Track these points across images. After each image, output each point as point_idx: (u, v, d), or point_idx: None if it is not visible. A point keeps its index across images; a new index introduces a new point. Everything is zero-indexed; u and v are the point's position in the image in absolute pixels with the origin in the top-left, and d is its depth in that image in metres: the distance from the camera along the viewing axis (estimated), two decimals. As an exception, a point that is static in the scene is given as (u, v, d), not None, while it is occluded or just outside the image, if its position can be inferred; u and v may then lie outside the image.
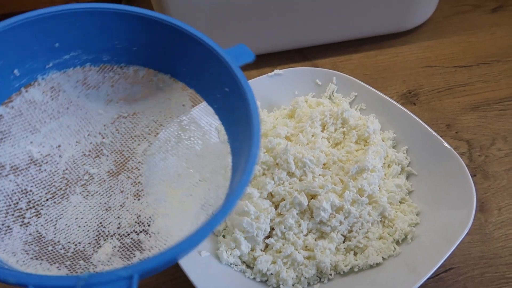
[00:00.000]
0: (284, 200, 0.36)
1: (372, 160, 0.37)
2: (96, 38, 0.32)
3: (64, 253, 0.29)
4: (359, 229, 0.35)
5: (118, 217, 0.31)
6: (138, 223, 0.31)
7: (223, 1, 0.49)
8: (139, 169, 0.33)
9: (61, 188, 0.32)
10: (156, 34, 0.32)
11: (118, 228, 0.31)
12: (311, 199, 0.36)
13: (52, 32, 0.31)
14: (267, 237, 0.35)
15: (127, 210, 0.32)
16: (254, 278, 0.34)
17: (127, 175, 0.33)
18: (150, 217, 0.32)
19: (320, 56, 0.58)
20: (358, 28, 0.57)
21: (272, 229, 0.35)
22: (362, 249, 0.35)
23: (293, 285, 0.33)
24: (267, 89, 0.44)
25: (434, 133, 0.38)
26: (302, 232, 0.35)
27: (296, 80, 0.45)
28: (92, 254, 0.30)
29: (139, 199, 0.32)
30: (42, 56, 0.32)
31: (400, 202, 0.37)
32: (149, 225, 0.31)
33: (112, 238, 0.30)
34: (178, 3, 0.48)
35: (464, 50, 0.58)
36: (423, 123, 0.40)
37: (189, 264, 0.31)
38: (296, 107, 0.43)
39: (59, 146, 0.32)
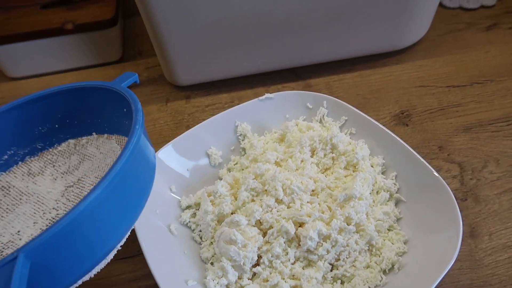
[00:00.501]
0: (272, 227, 0.36)
1: (360, 187, 0.37)
2: (22, 132, 0.38)
3: None
4: (346, 258, 0.35)
5: None
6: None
7: (217, 22, 0.50)
8: None
9: None
10: (62, 106, 0.38)
11: None
12: (298, 227, 0.36)
13: None
14: (255, 265, 0.35)
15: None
16: (241, 308, 0.34)
17: None
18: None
19: (314, 75, 0.59)
20: (351, 48, 0.58)
21: (260, 257, 0.35)
22: (349, 278, 0.34)
23: (279, 315, 0.33)
24: (258, 113, 0.45)
25: (421, 159, 0.38)
26: (289, 260, 0.35)
27: (287, 104, 0.45)
28: None
29: None
30: None
31: (388, 230, 0.37)
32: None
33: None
34: (172, 24, 0.48)
35: (457, 70, 0.58)
36: (412, 150, 0.40)
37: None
38: (286, 131, 0.43)
39: (19, 231, 0.35)
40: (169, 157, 0.41)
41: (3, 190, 0.38)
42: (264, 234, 0.36)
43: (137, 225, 0.35)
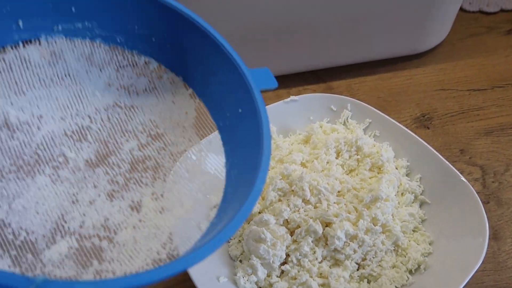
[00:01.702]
0: (300, 227, 0.37)
1: (385, 189, 0.38)
2: (117, 16, 0.29)
3: (12, 240, 0.25)
4: (373, 258, 0.36)
5: (84, 214, 0.27)
6: (104, 227, 0.27)
7: (240, 25, 0.51)
8: (120, 167, 0.29)
9: (29, 163, 0.27)
10: (181, 31, 0.29)
11: (81, 227, 0.27)
12: (325, 226, 0.37)
13: None
14: (283, 263, 0.36)
15: (96, 209, 0.27)
16: (270, 304, 0.35)
17: (105, 170, 0.29)
18: (119, 224, 0.27)
19: (335, 78, 0.59)
20: (373, 51, 0.58)
21: (288, 255, 0.36)
22: (375, 278, 0.35)
23: (307, 312, 0.34)
24: (283, 115, 0.46)
25: (446, 161, 0.39)
26: (317, 259, 0.36)
27: (311, 106, 0.46)
28: (44, 249, 0.25)
29: (112, 201, 0.28)
30: (54, 16, 0.28)
31: (413, 231, 0.38)
32: (115, 233, 0.27)
33: (70, 237, 0.26)
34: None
35: (478, 73, 0.58)
36: (435, 152, 0.40)
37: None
38: (312, 133, 0.44)
39: (41, 116, 0.28)
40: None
41: (52, 56, 0.30)
42: (292, 233, 0.37)
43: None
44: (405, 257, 0.36)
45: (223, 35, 0.47)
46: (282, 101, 0.46)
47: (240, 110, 0.28)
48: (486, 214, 0.43)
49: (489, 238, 0.41)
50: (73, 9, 0.28)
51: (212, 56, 0.29)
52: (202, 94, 0.31)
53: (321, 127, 0.45)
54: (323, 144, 0.42)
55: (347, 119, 0.46)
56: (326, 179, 0.39)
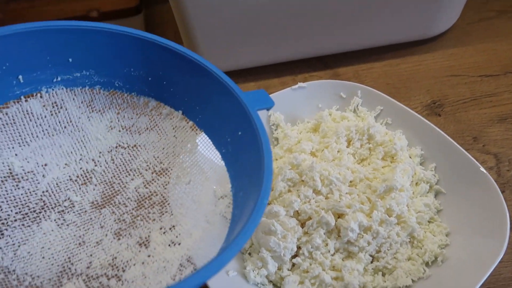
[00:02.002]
0: (311, 218, 0.35)
1: (400, 179, 0.36)
2: (112, 61, 0.31)
3: (17, 285, 0.25)
4: (388, 250, 0.35)
5: (91, 255, 0.27)
6: (112, 266, 0.27)
7: (246, 10, 0.49)
8: (126, 206, 0.30)
9: (35, 211, 0.28)
10: (175, 67, 0.31)
11: (88, 268, 0.27)
12: (338, 218, 0.36)
13: (68, 46, 0.29)
14: (294, 256, 0.35)
15: (103, 249, 0.28)
16: (281, 299, 0.34)
17: (112, 210, 0.30)
18: (127, 262, 0.27)
19: (342, 64, 0.57)
20: (380, 36, 0.56)
21: (299, 248, 0.35)
22: (390, 270, 0.34)
23: (320, 306, 0.33)
24: (291, 102, 0.44)
25: (462, 149, 0.38)
26: (329, 251, 0.35)
27: (320, 93, 0.45)
28: None
29: (119, 239, 0.28)
30: (52, 69, 0.30)
31: (429, 222, 0.37)
32: (124, 271, 0.27)
33: (77, 278, 0.26)
34: (201, 11, 0.47)
35: (489, 59, 0.57)
36: (450, 139, 0.39)
37: (217, 284, 0.31)
38: (321, 121, 0.42)
39: (46, 165, 0.29)
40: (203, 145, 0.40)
41: (54, 107, 0.31)
42: (302, 225, 0.36)
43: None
44: (421, 249, 0.35)
45: (230, 21, 0.45)
46: (289, 88, 0.44)
47: (239, 133, 0.29)
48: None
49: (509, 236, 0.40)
50: (70, 60, 0.30)
51: (207, 86, 0.30)
52: (203, 124, 0.32)
53: (330, 114, 0.44)
54: (333, 132, 0.40)
55: (357, 106, 0.44)
56: (337, 169, 0.38)
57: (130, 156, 0.32)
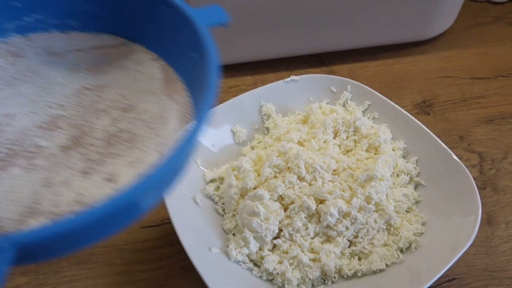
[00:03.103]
0: (294, 203, 0.37)
1: (381, 169, 0.38)
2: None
3: None
4: (365, 235, 0.36)
5: (58, 195, 0.27)
6: (79, 203, 0.27)
7: (242, 5, 0.50)
8: (95, 146, 0.29)
9: (2, 159, 0.28)
10: None
11: (55, 206, 0.26)
12: (319, 203, 0.37)
13: None
14: (275, 238, 0.37)
15: (71, 188, 0.27)
16: (260, 276, 0.35)
17: (80, 151, 0.29)
18: (95, 198, 0.27)
19: (337, 62, 0.59)
20: (376, 36, 0.58)
21: (281, 230, 0.37)
22: (366, 255, 0.36)
23: (297, 285, 0.35)
24: (283, 94, 0.46)
25: (444, 145, 0.39)
26: (309, 235, 0.36)
27: (312, 87, 0.46)
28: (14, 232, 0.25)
29: (87, 177, 0.28)
30: (2, 16, 0.29)
31: (407, 211, 0.38)
32: (91, 206, 0.26)
33: (44, 217, 0.26)
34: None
35: (482, 62, 0.58)
36: (433, 135, 0.40)
37: (199, 260, 0.33)
38: (310, 113, 0.44)
39: (11, 114, 0.29)
40: (196, 132, 0.42)
41: (13, 56, 0.30)
42: (286, 209, 0.38)
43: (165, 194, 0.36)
44: (397, 236, 0.36)
45: (228, 15, 0.45)
46: (282, 80, 0.46)
47: (194, 55, 0.27)
48: (482, 200, 0.43)
49: (483, 223, 0.41)
50: (18, 4, 0.29)
51: (160, 11, 0.29)
52: (163, 54, 0.31)
53: (320, 107, 0.45)
54: (321, 123, 0.42)
55: (346, 100, 0.46)
56: (322, 158, 0.39)
57: (97, 97, 0.31)
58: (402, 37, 0.59)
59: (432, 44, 0.61)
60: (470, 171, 0.45)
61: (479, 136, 0.49)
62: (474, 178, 0.45)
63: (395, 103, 0.52)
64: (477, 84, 0.55)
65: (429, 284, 0.32)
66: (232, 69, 0.59)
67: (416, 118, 0.51)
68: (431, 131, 0.49)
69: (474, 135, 0.49)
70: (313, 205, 0.36)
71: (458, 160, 0.38)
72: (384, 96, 0.45)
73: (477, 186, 0.44)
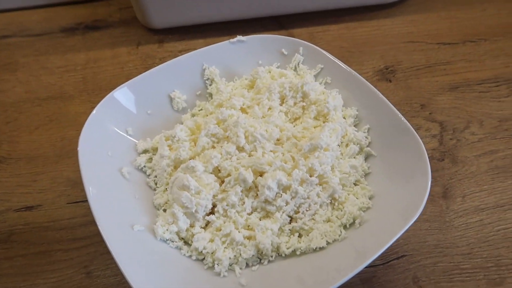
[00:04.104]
0: (230, 175, 0.33)
1: (326, 138, 0.34)
2: None
3: None
4: (306, 211, 0.33)
5: None
6: None
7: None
8: None
9: None
10: None
11: None
12: (259, 176, 0.34)
13: None
14: (209, 214, 0.33)
15: None
16: (190, 256, 0.32)
17: None
18: None
19: (297, 25, 0.55)
20: (339, -3, 0.54)
21: (215, 205, 0.33)
22: (307, 231, 0.32)
23: (230, 265, 0.31)
24: (229, 57, 0.41)
25: (398, 112, 0.36)
26: (245, 210, 0.33)
27: (261, 49, 0.42)
28: None
29: None
30: None
31: (355, 184, 0.35)
32: None
33: None
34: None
35: (450, 26, 0.54)
36: (388, 102, 0.37)
37: (115, 238, 0.29)
38: (257, 77, 0.40)
39: None
40: (127, 98, 0.38)
41: None
42: (222, 183, 0.34)
43: (83, 167, 0.32)
44: (341, 211, 0.33)
45: None
46: (227, 41, 0.42)
47: None
48: (439, 172, 0.40)
49: (438, 197, 0.39)
50: None
51: None
52: None
53: (269, 72, 0.41)
54: (266, 89, 0.38)
55: (298, 64, 0.42)
56: (265, 126, 0.35)
57: None
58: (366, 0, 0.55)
59: (398, 8, 0.57)
60: (429, 142, 0.43)
61: (441, 104, 0.46)
62: (432, 149, 0.42)
63: (356, 69, 0.48)
64: (443, 50, 0.52)
65: (372, 260, 0.29)
66: (182, 32, 0.54)
67: (376, 85, 0.48)
68: (392, 99, 0.45)
69: (437, 104, 0.46)
70: (250, 177, 0.33)
71: (411, 128, 0.34)
72: (345, 61, 0.41)
73: (435, 158, 0.41)
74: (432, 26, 0.54)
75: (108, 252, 0.36)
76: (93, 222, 0.37)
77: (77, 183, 0.40)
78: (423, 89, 0.48)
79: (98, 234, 0.37)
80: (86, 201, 0.39)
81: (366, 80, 0.39)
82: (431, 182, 0.33)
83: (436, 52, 0.51)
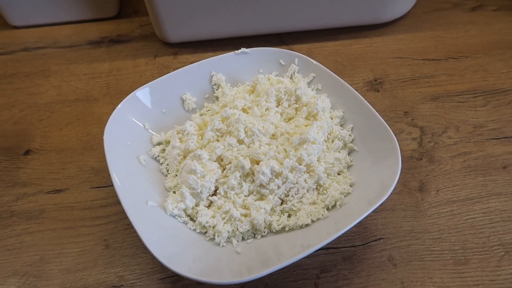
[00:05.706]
0: (231, 163, 0.39)
1: (314, 133, 0.40)
2: None
3: None
4: (295, 194, 0.38)
5: None
6: None
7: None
8: None
9: None
10: None
11: None
12: (255, 164, 0.39)
13: None
14: (212, 195, 0.39)
15: None
16: (195, 229, 0.37)
17: None
18: None
19: (298, 41, 0.61)
20: (336, 17, 0.60)
21: (217, 188, 0.39)
22: (295, 212, 0.38)
23: (228, 238, 0.37)
24: (233, 66, 0.48)
25: (377, 113, 0.41)
26: (243, 193, 0.38)
27: (262, 59, 0.48)
28: None
29: None
30: None
31: (338, 174, 0.40)
32: None
33: None
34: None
35: (436, 45, 0.60)
36: (369, 105, 0.42)
37: (134, 212, 0.35)
38: (257, 83, 0.46)
39: None
40: (147, 97, 0.44)
41: None
42: (224, 169, 0.40)
43: (108, 153, 0.38)
44: (325, 195, 0.38)
45: None
46: (233, 52, 0.48)
47: None
48: (417, 169, 0.46)
49: (414, 190, 0.44)
50: None
51: None
52: None
53: (268, 79, 0.47)
54: (265, 92, 0.44)
55: (294, 73, 0.48)
56: (262, 123, 0.41)
57: None
58: (361, 20, 0.61)
59: (390, 27, 0.63)
60: (409, 144, 0.48)
61: (423, 112, 0.51)
62: (412, 150, 0.47)
63: (348, 80, 0.54)
64: (428, 65, 0.57)
65: (345, 231, 0.33)
66: (195, 46, 0.61)
67: (365, 94, 0.53)
68: (378, 106, 0.52)
69: (419, 111, 0.51)
70: (247, 164, 0.38)
71: (387, 127, 0.40)
72: (338, 74, 0.47)
73: (414, 157, 0.47)
74: (419, 44, 0.60)
75: (124, 229, 0.42)
76: (112, 204, 0.44)
77: (99, 171, 0.46)
78: (407, 98, 0.53)
79: (116, 214, 0.43)
80: (107, 186, 0.45)
81: (356, 89, 0.45)
82: (409, 177, 0.38)
83: (421, 67, 0.57)
